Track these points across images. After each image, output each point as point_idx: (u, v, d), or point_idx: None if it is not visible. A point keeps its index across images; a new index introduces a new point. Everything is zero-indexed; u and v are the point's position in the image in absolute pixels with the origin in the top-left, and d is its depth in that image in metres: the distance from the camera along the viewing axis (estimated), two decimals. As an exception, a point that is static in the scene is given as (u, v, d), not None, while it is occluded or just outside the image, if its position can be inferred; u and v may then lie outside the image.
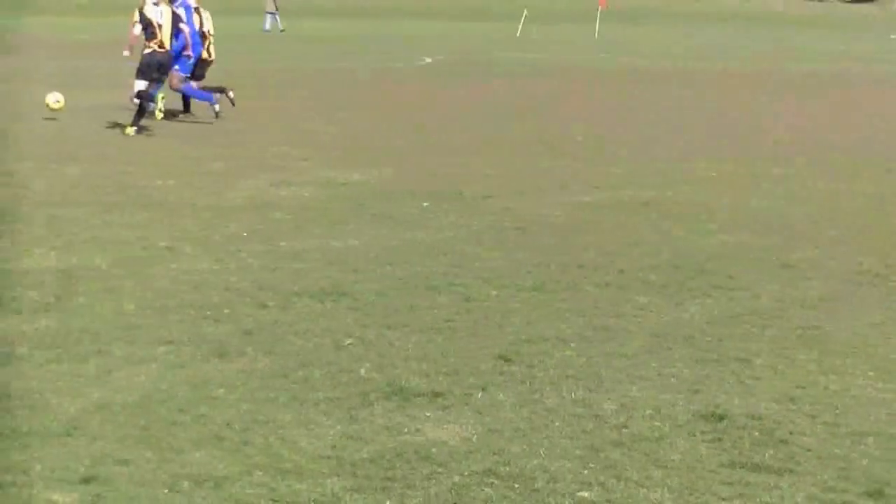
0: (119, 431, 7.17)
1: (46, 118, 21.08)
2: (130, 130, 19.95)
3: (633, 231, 13.52)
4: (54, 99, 21.51)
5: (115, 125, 20.80)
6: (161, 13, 20.27)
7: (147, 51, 20.25)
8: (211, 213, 13.78)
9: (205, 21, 22.89)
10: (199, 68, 22.81)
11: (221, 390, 7.95)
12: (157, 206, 14.07)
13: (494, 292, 10.70)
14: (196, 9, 22.54)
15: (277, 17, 60.69)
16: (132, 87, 20.33)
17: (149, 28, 20.13)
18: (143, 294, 10.26)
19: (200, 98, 22.58)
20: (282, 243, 12.35)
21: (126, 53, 21.01)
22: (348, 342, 9.10)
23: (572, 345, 9.20)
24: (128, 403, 7.63)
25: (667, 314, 10.16)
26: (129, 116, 20.58)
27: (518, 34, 57.13)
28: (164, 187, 15.25)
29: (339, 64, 38.65)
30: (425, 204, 14.64)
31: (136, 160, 17.34)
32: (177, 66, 21.66)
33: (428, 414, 7.67)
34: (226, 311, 9.83)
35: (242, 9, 70.28)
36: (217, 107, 22.38)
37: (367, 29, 64.06)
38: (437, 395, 8.01)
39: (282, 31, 59.82)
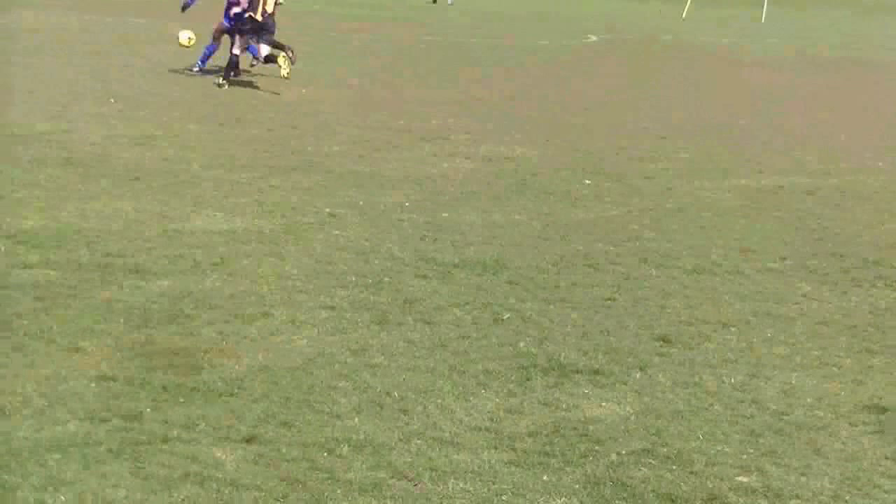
0: (281, 393, 7.28)
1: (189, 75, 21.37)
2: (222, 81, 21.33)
3: (797, 218, 13.35)
4: (186, 36, 22.20)
5: (274, 94, 21.04)
6: None
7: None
8: (374, 181, 13.89)
9: None
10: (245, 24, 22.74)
11: (381, 358, 8.03)
12: (321, 172, 14.21)
13: (655, 272, 10.65)
14: None
15: None
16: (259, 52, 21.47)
17: None
18: (306, 259, 10.39)
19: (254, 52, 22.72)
20: (444, 215, 12.41)
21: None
22: (507, 316, 9.13)
23: (733, 329, 9.13)
24: (290, 367, 7.75)
25: (830, 303, 10.04)
26: (285, 83, 20.82)
27: (684, 16, 56.55)
28: (329, 154, 15.40)
29: (504, 40, 38.63)
30: (587, 182, 14.61)
31: (301, 125, 17.52)
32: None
33: (586, 391, 7.68)
34: (386, 279, 9.92)
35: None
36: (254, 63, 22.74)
37: (532, 5, 63.89)
38: (595, 372, 8.01)
39: (450, 4, 60.02)
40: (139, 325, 8.33)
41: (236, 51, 21.96)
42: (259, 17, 21.83)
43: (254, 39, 21.77)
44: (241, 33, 21.81)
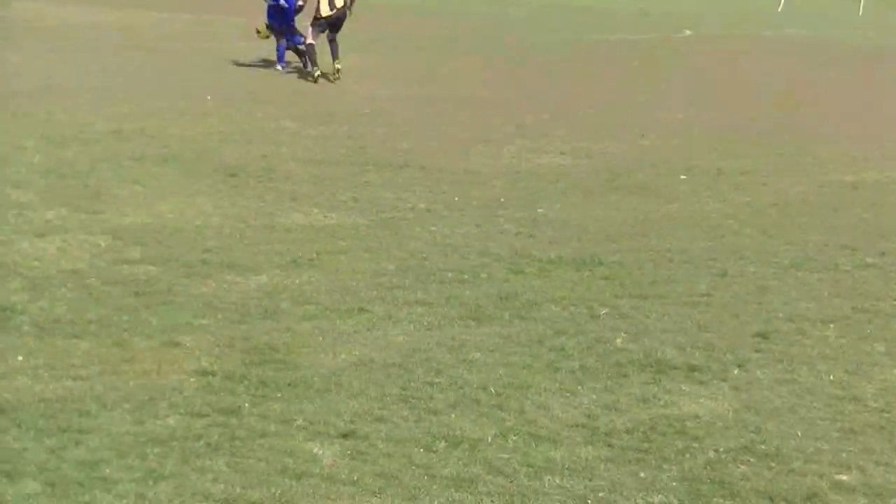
0: (378, 389, 7.32)
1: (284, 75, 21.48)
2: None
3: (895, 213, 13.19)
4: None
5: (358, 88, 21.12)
6: None
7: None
8: (470, 177, 13.90)
9: None
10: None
11: (478, 353, 8.04)
12: (417, 168, 14.24)
13: (752, 268, 10.57)
14: None
15: None
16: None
17: None
18: (402, 254, 10.42)
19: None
20: (539, 210, 12.40)
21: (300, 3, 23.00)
22: (604, 312, 9.11)
23: (831, 325, 9.04)
24: (387, 362, 7.78)
25: (930, 299, 9.90)
26: (369, 78, 20.88)
27: (780, 9, 56.04)
28: (424, 150, 15.43)
29: (601, 35, 38.49)
30: (683, 177, 14.52)
31: (395, 121, 17.57)
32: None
33: (684, 387, 7.65)
34: (483, 275, 9.93)
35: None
36: (279, 67, 22.98)
37: (630, 1, 63.61)
38: (693, 368, 7.97)
39: None
40: (237, 320, 8.40)
41: (311, 40, 22.39)
42: (324, 14, 22.42)
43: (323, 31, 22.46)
44: (312, 26, 22.42)
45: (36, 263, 9.36)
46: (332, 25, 22.64)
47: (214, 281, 9.28)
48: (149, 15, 32.36)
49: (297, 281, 9.45)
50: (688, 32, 40.02)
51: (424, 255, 10.44)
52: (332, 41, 22.52)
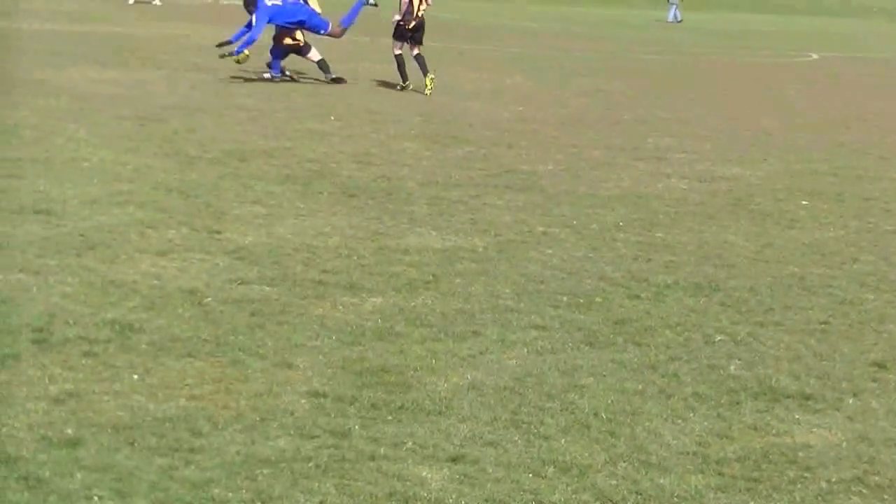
0: (489, 413, 7.32)
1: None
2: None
3: None
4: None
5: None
6: None
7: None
8: (588, 200, 13.87)
9: None
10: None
11: (590, 379, 8.01)
12: (536, 190, 14.25)
13: (871, 296, 10.43)
14: None
15: (677, 9, 61.43)
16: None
17: None
18: (518, 278, 10.42)
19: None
20: (657, 235, 12.34)
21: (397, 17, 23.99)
22: (719, 338, 9.04)
23: (953, 356, 8.88)
24: (499, 386, 7.78)
25: None
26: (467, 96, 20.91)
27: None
28: (543, 172, 15.44)
29: (723, 57, 38.27)
30: (804, 202, 14.37)
31: (516, 143, 17.60)
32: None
33: (797, 416, 7.55)
34: (598, 299, 9.90)
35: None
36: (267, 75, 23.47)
37: (754, 22, 63.23)
38: (807, 397, 7.87)
39: (679, 21, 60.40)
40: (351, 342, 8.45)
41: (397, 52, 23.75)
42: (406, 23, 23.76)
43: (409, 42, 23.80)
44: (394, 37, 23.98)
45: (155, 282, 9.49)
46: (412, 36, 23.72)
47: (330, 302, 9.35)
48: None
49: (413, 303, 9.48)
50: (814, 56, 39.59)
51: (540, 279, 10.42)
52: (417, 56, 23.64)
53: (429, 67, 23.30)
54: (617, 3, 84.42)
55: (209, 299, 9.13)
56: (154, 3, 47.63)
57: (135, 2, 47.41)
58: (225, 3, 49.67)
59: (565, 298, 9.85)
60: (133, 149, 15.05)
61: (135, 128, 16.71)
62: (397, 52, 24.10)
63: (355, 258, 10.69)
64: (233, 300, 9.16)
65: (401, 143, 17.08)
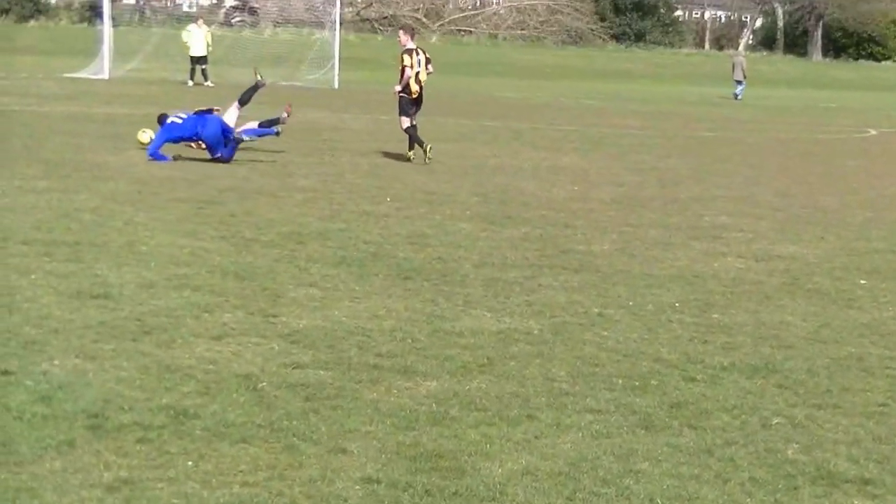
0: (543, 499, 7.26)
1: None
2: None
3: None
4: (147, 136, 23.73)
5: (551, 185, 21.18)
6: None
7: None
8: (644, 280, 13.83)
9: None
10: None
11: (646, 463, 7.94)
12: (591, 271, 14.22)
13: (932, 378, 10.31)
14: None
15: (744, 85, 61.97)
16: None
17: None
18: (573, 360, 10.38)
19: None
20: (713, 316, 12.27)
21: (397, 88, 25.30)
22: (776, 421, 8.95)
23: None
24: (553, 471, 7.73)
25: None
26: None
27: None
28: (599, 253, 15.42)
29: (781, 134, 38.21)
30: (863, 281, 14.26)
31: (572, 223, 17.60)
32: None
33: (856, 502, 7.46)
34: (653, 382, 9.83)
35: (710, 76, 70.75)
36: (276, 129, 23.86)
37: (813, 99, 63.23)
38: (866, 482, 7.77)
39: (738, 98, 60.96)
40: (405, 426, 8.43)
41: (407, 125, 24.97)
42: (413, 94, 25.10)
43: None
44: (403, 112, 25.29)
45: (210, 367, 9.52)
46: (416, 104, 25.21)
47: (384, 386, 9.33)
48: (331, 115, 32.98)
49: (468, 387, 9.45)
50: (872, 132, 39.44)
51: (596, 361, 10.37)
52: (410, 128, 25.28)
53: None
54: (674, 80, 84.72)
55: (264, 384, 9.14)
56: (207, 84, 48.21)
57: (194, 84, 47.99)
58: (284, 84, 50.17)
59: (620, 381, 9.80)
60: (190, 232, 15.16)
61: (192, 211, 16.84)
62: (406, 124, 25.31)
63: (410, 341, 10.68)
64: (287, 385, 9.17)
65: (456, 223, 17.12)
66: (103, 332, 10.29)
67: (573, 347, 10.80)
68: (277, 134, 23.78)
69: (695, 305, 12.69)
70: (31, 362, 9.34)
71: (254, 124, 24.32)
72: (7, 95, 36.64)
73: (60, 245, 13.84)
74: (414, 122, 25.35)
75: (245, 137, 23.08)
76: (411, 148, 25.15)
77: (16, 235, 14.23)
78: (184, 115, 23.05)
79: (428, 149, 24.67)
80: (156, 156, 22.42)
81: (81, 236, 14.45)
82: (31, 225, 14.99)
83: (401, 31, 26.16)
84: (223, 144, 22.66)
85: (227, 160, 22.61)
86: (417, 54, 25.36)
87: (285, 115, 24.24)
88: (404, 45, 25.56)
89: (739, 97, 62.06)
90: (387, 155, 25.49)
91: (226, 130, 22.71)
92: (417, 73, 25.19)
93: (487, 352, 10.48)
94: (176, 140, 22.77)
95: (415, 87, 25.24)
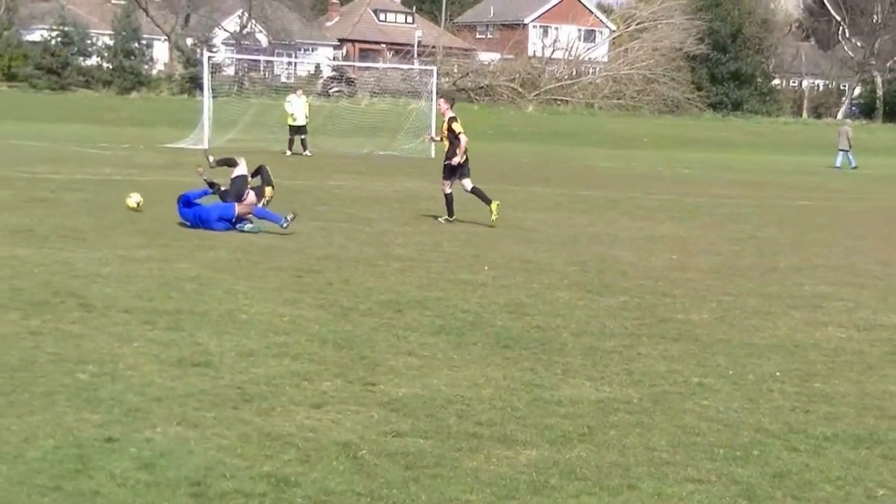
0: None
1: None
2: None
3: None
4: (135, 200, 24.23)
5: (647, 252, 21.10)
6: None
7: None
8: (744, 349, 13.71)
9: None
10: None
11: (748, 535, 7.86)
12: (690, 340, 14.13)
13: None
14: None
15: (850, 154, 61.80)
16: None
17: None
18: (674, 429, 10.30)
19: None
20: (815, 385, 12.14)
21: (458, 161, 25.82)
22: (881, 493, 8.82)
23: None
24: (655, 542, 7.67)
25: None
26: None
27: None
28: (698, 322, 15.32)
29: (886, 202, 37.85)
30: (969, 350, 14.07)
31: (670, 292, 17.51)
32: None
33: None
34: (755, 452, 9.73)
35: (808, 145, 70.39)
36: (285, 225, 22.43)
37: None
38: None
39: (854, 167, 60.70)
40: (505, 495, 8.40)
41: (447, 189, 25.71)
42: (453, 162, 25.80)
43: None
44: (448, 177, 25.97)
45: (310, 435, 9.56)
46: (462, 172, 25.94)
47: (484, 454, 9.31)
48: (428, 185, 33.15)
49: (568, 456, 9.41)
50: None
51: (697, 431, 10.29)
52: (473, 190, 26.02)
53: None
54: (771, 148, 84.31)
55: (364, 452, 9.16)
56: (305, 154, 48.71)
57: (292, 154, 48.48)
58: (381, 153, 50.56)
59: (722, 451, 9.71)
60: (289, 300, 15.27)
61: (291, 279, 16.97)
62: (447, 190, 25.98)
63: (509, 410, 10.66)
64: (387, 453, 9.18)
65: (554, 292, 17.09)
66: (204, 400, 10.38)
67: (673, 417, 10.72)
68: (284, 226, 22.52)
69: (796, 375, 12.56)
70: (134, 429, 9.43)
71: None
72: (109, 166, 37.23)
73: (162, 313, 13.99)
74: (472, 187, 26.11)
75: (246, 229, 22.52)
76: (488, 203, 25.83)
77: (118, 304, 14.41)
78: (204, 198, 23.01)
79: (494, 207, 25.49)
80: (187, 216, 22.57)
81: (182, 304, 14.60)
82: (132, 293, 15.17)
83: (441, 101, 27.02)
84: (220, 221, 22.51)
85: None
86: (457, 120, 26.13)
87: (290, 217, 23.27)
88: (445, 114, 26.34)
89: (852, 165, 61.81)
90: (483, 224, 25.54)
91: (226, 218, 22.57)
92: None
93: (587, 420, 10.44)
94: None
95: (461, 155, 25.92)
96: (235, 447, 9.14)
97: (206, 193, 23.31)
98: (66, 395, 10.33)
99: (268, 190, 24.57)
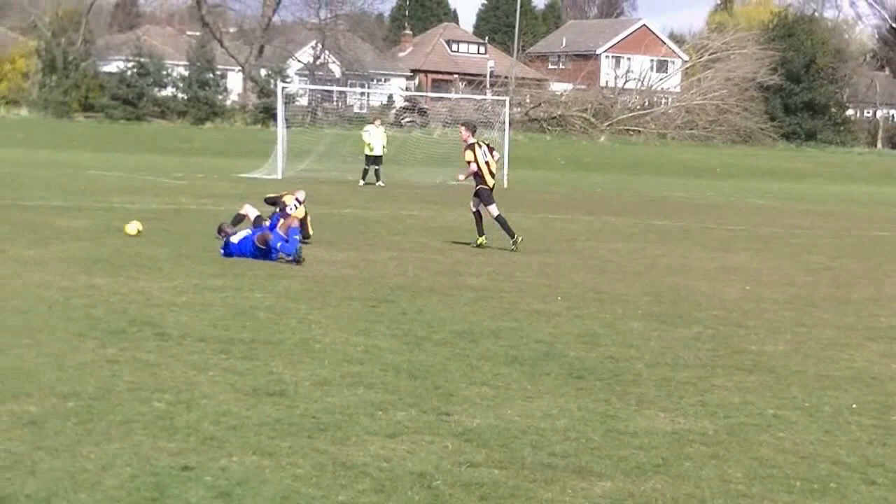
0: None
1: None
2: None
3: None
4: (134, 228, 24.66)
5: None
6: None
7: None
8: (820, 381, 13.60)
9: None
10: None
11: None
12: (765, 372, 14.03)
13: None
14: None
15: None
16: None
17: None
18: (749, 462, 10.22)
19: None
20: (893, 418, 12.01)
21: (461, 177, 27.57)
22: (961, 528, 8.72)
23: None
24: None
25: None
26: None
27: None
28: (773, 353, 15.21)
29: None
30: None
31: (745, 323, 17.40)
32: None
33: None
34: (832, 485, 9.65)
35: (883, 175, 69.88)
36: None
37: None
38: None
39: None
40: (580, 527, 8.38)
41: (475, 208, 26.33)
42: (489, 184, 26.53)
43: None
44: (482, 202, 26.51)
45: (385, 464, 9.57)
46: (491, 195, 26.41)
47: (559, 486, 9.29)
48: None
49: (643, 487, 9.37)
50: None
51: (773, 463, 10.21)
52: (477, 213, 26.69)
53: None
54: (845, 179, 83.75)
55: (438, 482, 9.16)
56: (378, 184, 48.94)
57: (365, 184, 48.71)
58: (453, 183, 50.69)
59: (798, 483, 9.63)
60: (363, 330, 15.32)
61: (364, 309, 17.02)
62: (475, 208, 26.75)
63: (584, 441, 10.63)
64: (462, 483, 9.17)
65: (628, 322, 17.04)
66: (279, 429, 10.42)
67: (749, 449, 10.65)
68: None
69: (873, 407, 12.44)
70: (210, 458, 9.49)
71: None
72: (184, 195, 37.57)
73: (237, 342, 14.08)
74: (477, 210, 26.70)
75: (283, 254, 22.11)
76: (511, 235, 26.22)
77: (194, 332, 14.52)
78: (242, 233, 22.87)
79: (518, 240, 26.06)
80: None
81: (257, 334, 14.69)
82: (208, 322, 15.28)
83: (462, 128, 27.83)
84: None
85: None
86: (480, 147, 26.85)
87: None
88: (466, 141, 27.09)
89: None
90: (557, 254, 25.53)
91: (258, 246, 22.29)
92: (488, 163, 26.64)
93: (662, 452, 10.38)
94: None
95: (490, 180, 26.67)
96: (310, 476, 9.17)
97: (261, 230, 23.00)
98: (142, 423, 10.41)
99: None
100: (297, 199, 24.45)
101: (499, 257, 24.77)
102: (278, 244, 22.06)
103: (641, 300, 19.39)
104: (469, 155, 26.61)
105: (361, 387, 12.19)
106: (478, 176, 26.57)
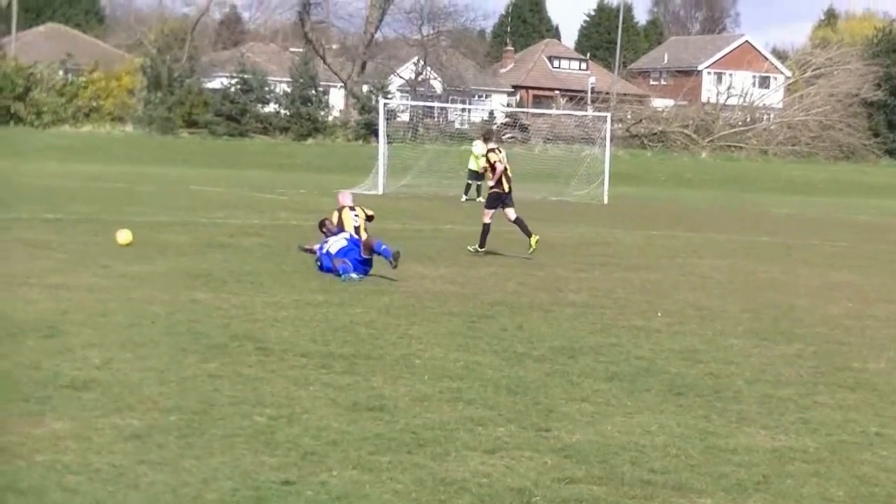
0: None
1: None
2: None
3: None
4: (123, 237, 24.56)
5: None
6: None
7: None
8: (918, 399, 13.47)
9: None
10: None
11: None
12: (868, 389, 13.90)
13: None
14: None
15: None
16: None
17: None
18: (851, 480, 10.15)
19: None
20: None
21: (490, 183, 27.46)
22: None
23: None
24: None
25: None
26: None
27: None
28: (875, 370, 15.06)
29: None
30: None
31: (847, 340, 17.24)
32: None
33: None
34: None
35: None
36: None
37: None
38: None
39: None
40: (679, 544, 8.36)
41: (487, 220, 26.77)
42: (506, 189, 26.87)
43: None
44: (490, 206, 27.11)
45: (484, 480, 9.60)
46: (506, 201, 26.85)
47: (658, 502, 9.28)
48: (601, 230, 33.11)
49: (746, 506, 9.34)
50: None
51: (875, 482, 10.13)
52: (517, 220, 26.89)
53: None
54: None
55: (537, 498, 9.18)
56: (479, 200, 48.99)
57: (466, 200, 48.80)
58: (554, 199, 50.64)
59: (879, 503, 9.55)
60: (462, 346, 15.37)
61: (464, 325, 17.06)
62: (487, 220, 27.06)
63: (683, 457, 10.60)
64: (561, 499, 9.19)
65: (728, 339, 16.94)
66: (379, 445, 10.48)
67: (850, 467, 10.56)
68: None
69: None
70: (310, 472, 9.57)
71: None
72: (286, 211, 37.83)
73: (337, 357, 14.18)
74: (515, 217, 27.02)
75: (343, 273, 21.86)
76: (482, 246, 27.01)
77: (295, 348, 14.64)
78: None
79: (533, 241, 26.55)
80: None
81: (357, 349, 14.78)
82: (308, 337, 15.40)
83: (480, 141, 28.61)
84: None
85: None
86: (500, 152, 27.44)
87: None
88: (484, 149, 28.14)
89: None
90: (657, 270, 25.43)
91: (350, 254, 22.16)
92: (506, 169, 27.07)
93: (762, 469, 10.33)
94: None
95: (506, 185, 27.07)
96: (410, 492, 9.22)
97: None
98: (243, 437, 10.52)
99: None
100: (347, 207, 24.79)
101: (600, 273, 24.70)
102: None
103: (742, 316, 19.26)
104: (493, 156, 27.21)
105: (461, 402, 12.23)
106: (498, 180, 27.08)
